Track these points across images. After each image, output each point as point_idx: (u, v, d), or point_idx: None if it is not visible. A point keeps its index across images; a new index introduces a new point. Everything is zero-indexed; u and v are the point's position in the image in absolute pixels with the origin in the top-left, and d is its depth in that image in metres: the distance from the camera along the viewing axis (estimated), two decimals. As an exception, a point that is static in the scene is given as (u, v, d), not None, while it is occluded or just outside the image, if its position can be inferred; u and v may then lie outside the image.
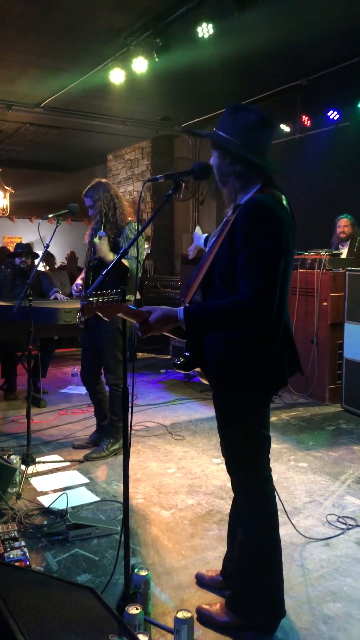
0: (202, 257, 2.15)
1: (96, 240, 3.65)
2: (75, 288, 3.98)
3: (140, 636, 1.83)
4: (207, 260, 2.03)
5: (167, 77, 6.42)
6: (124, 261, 3.59)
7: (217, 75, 6.51)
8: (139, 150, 10.02)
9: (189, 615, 1.93)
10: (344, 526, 2.92)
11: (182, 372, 2.06)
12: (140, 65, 5.78)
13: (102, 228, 3.60)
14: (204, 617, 2.17)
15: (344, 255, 5.79)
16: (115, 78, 6.17)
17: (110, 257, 3.63)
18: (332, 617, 2.20)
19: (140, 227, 2.52)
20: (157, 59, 5.63)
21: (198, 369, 2.10)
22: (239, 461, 2.09)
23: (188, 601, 2.30)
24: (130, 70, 5.95)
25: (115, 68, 6.09)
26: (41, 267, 9.47)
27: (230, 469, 2.13)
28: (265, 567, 2.06)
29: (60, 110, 7.93)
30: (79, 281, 4.00)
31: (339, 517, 3.02)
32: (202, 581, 2.42)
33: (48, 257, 9.60)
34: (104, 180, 3.95)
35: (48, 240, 3.79)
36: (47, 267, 9.00)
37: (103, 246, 3.62)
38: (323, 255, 5.35)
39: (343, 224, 5.98)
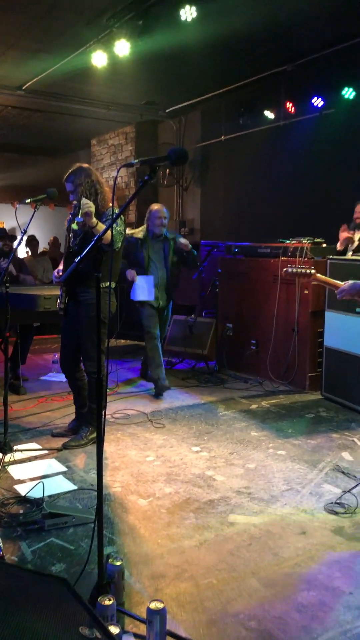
0: None
1: (74, 226, 3.58)
2: (56, 274, 3.93)
3: (112, 627, 1.81)
4: None
5: (151, 61, 6.33)
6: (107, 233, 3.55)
7: (201, 60, 6.44)
8: (123, 135, 9.91)
9: (161, 605, 1.92)
10: (320, 515, 2.93)
11: None
12: (123, 48, 5.69)
13: (80, 214, 3.53)
14: None
15: (356, 240, 5.67)
16: (98, 61, 6.08)
17: (94, 222, 3.56)
18: (305, 606, 2.21)
19: (123, 215, 2.51)
20: (139, 42, 5.54)
21: None
22: None
23: (163, 590, 2.29)
24: (113, 53, 5.86)
25: (97, 51, 6.00)
26: (23, 253, 9.38)
27: None
28: None
29: (42, 93, 7.81)
30: (60, 267, 3.95)
31: (316, 505, 3.03)
32: None
33: (32, 243, 9.48)
34: (85, 165, 3.88)
35: (26, 225, 3.72)
36: (30, 253, 8.88)
37: (92, 215, 3.55)
38: (305, 243, 5.33)
39: (359, 209, 5.85)
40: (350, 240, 5.62)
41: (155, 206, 5.28)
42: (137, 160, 2.09)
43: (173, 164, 2.12)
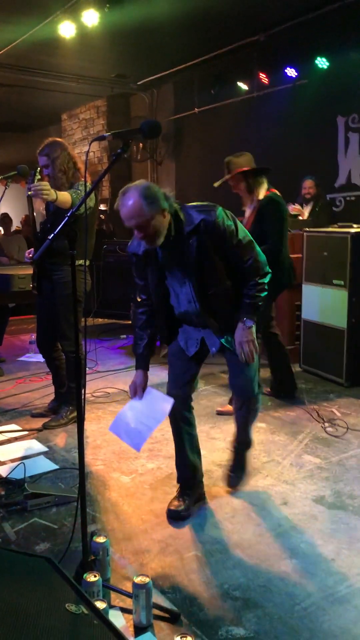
0: None
1: (31, 193, 3.39)
2: (28, 256, 3.87)
3: (98, 603, 1.82)
4: None
5: (121, 32, 6.17)
6: (66, 194, 3.43)
7: (172, 30, 6.30)
8: (94, 109, 9.72)
9: (147, 580, 1.94)
10: (301, 485, 2.97)
11: None
12: (91, 17, 5.55)
13: (34, 180, 3.38)
14: None
15: (305, 216, 5.81)
16: (66, 32, 5.92)
17: (54, 196, 3.33)
18: (289, 574, 2.25)
19: (96, 191, 2.44)
20: (108, 12, 5.40)
21: None
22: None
23: (147, 565, 2.31)
24: (81, 23, 5.70)
25: (65, 21, 5.84)
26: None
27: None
28: None
29: (9, 67, 7.58)
30: (32, 249, 3.89)
31: (297, 476, 3.07)
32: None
33: (5, 221, 9.31)
34: (59, 139, 3.80)
35: (-3, 203, 3.65)
36: (2, 232, 8.74)
37: (43, 187, 3.29)
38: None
39: (308, 185, 6.00)
40: (300, 214, 5.75)
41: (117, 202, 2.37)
42: (109, 134, 2.04)
43: (146, 137, 2.08)
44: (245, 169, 3.74)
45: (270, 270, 2.54)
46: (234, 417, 2.95)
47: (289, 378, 4.38)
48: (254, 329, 2.56)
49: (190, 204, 2.49)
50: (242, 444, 2.95)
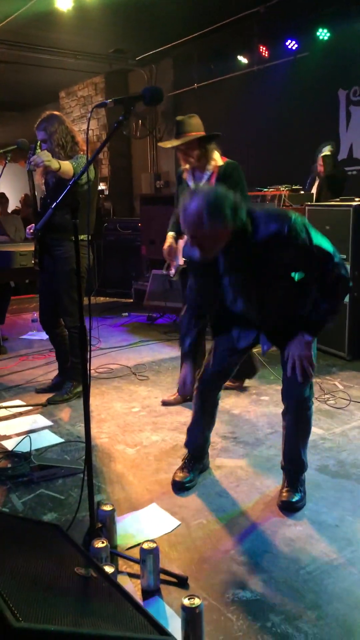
0: None
1: (32, 167, 3.38)
2: (29, 231, 3.85)
3: (106, 567, 1.85)
4: None
5: (119, 5, 6.07)
6: (66, 164, 3.42)
7: (171, 3, 6.19)
8: (92, 86, 9.60)
9: (154, 545, 1.96)
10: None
11: None
12: (88, -11, 5.44)
13: (35, 153, 3.36)
14: None
15: (314, 190, 5.73)
16: (62, 4, 5.82)
17: (56, 165, 3.35)
18: (293, 540, 2.28)
19: (95, 161, 2.42)
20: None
21: None
22: None
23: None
24: (78, -6, 5.61)
25: (61, -8, 5.73)
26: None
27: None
28: None
29: (4, 42, 7.46)
30: (33, 225, 3.86)
31: (300, 446, 3.09)
32: None
33: (1, 201, 9.24)
34: (56, 112, 3.75)
35: (-3, 179, 3.62)
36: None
37: (43, 155, 3.31)
38: (282, 191, 5.29)
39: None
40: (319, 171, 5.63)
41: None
42: (110, 100, 2.02)
43: (148, 104, 2.05)
44: (202, 133, 3.37)
45: (351, 285, 2.27)
46: (282, 428, 2.60)
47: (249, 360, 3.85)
48: (313, 345, 2.34)
49: (262, 209, 2.19)
50: (291, 463, 2.57)
